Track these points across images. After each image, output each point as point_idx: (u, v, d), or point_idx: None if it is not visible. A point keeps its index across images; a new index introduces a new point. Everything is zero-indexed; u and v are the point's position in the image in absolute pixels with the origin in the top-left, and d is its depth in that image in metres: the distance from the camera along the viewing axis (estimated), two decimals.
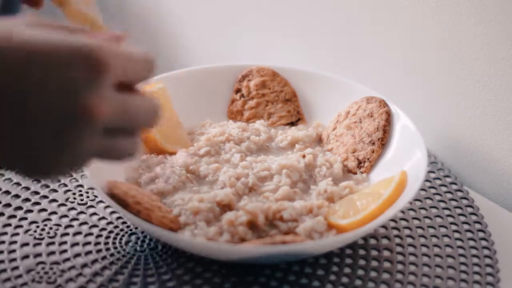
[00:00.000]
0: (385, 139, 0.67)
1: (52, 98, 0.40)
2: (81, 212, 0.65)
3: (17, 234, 0.62)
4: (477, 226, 0.65)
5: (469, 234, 0.64)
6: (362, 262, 0.60)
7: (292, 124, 0.74)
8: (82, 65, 0.41)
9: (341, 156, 0.68)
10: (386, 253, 0.61)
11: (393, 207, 0.58)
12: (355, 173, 0.67)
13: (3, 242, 0.61)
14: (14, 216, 0.64)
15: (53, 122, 0.41)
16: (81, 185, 0.68)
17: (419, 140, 0.64)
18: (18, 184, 0.68)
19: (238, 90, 0.75)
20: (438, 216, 0.66)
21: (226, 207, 0.61)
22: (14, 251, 0.60)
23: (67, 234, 0.62)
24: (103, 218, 0.64)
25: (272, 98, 0.75)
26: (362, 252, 0.61)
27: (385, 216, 0.57)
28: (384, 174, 0.65)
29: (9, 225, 0.63)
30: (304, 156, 0.67)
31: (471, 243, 0.63)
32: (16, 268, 0.58)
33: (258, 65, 0.76)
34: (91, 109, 0.41)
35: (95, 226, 0.63)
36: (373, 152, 0.67)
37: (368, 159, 0.67)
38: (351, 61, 0.86)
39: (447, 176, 0.72)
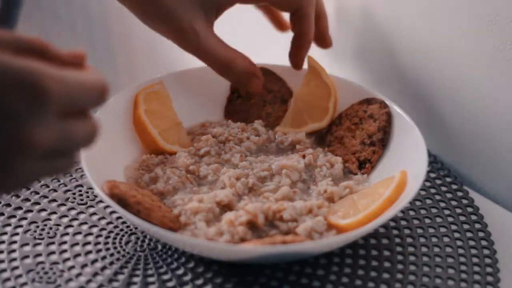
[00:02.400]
0: (386, 140, 0.67)
1: None
2: (81, 212, 0.65)
3: (17, 234, 0.62)
4: (477, 226, 0.65)
5: (469, 234, 0.64)
6: (362, 262, 0.60)
7: None
8: (23, 93, 0.39)
9: (342, 158, 0.68)
10: (386, 253, 0.61)
11: (393, 207, 0.58)
12: (356, 174, 0.67)
13: (2, 242, 0.61)
14: (14, 216, 0.64)
15: None
16: (81, 185, 0.68)
17: (419, 140, 0.64)
18: None
19: (235, 90, 0.75)
20: (438, 216, 0.66)
21: (226, 207, 0.61)
22: (14, 251, 0.60)
23: (67, 234, 0.62)
24: (103, 218, 0.64)
25: (269, 98, 0.74)
26: (362, 252, 0.61)
27: (385, 216, 0.57)
28: (385, 174, 0.65)
29: (9, 225, 0.63)
30: (304, 156, 0.67)
31: (471, 243, 0.63)
32: (16, 268, 0.58)
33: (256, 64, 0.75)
34: (29, 140, 0.40)
35: (95, 226, 0.63)
36: (374, 153, 0.67)
37: (369, 160, 0.67)
38: (350, 61, 0.86)
39: (447, 176, 0.72)
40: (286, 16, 0.80)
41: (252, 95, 0.72)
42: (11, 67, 0.39)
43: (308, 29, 0.70)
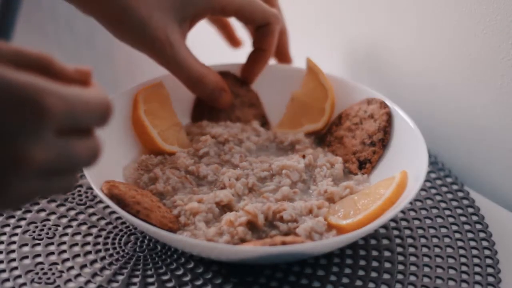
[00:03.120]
0: (386, 140, 0.67)
1: None
2: (80, 213, 0.65)
3: (16, 234, 0.62)
4: (478, 226, 0.65)
5: (470, 235, 0.64)
6: (362, 262, 0.60)
7: None
8: (21, 109, 0.38)
9: (342, 158, 0.68)
10: (386, 254, 0.61)
11: (393, 208, 0.58)
12: (356, 174, 0.67)
13: (1, 242, 0.61)
14: (13, 216, 0.64)
15: None
16: (80, 185, 0.68)
17: (420, 140, 0.64)
18: None
19: None
20: (438, 216, 0.66)
21: (225, 207, 0.60)
22: (12, 251, 0.60)
23: (66, 234, 0.62)
24: (102, 218, 0.64)
25: (237, 102, 0.73)
26: (362, 252, 0.61)
27: (385, 216, 0.57)
28: (385, 174, 0.64)
29: (8, 225, 0.63)
30: (304, 156, 0.67)
31: (472, 243, 0.63)
32: (15, 268, 0.58)
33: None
34: (25, 157, 0.38)
35: (94, 226, 0.63)
36: (374, 153, 0.67)
37: (369, 160, 0.66)
38: (350, 60, 0.86)
39: (448, 176, 0.71)
40: (239, 32, 0.80)
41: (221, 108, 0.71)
42: (11, 82, 0.38)
43: (270, 46, 0.70)
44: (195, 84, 0.67)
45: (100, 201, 0.66)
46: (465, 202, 0.68)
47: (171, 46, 0.63)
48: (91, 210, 0.65)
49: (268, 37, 0.70)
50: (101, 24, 0.64)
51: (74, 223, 0.63)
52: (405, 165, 0.63)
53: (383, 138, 0.67)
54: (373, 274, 0.59)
